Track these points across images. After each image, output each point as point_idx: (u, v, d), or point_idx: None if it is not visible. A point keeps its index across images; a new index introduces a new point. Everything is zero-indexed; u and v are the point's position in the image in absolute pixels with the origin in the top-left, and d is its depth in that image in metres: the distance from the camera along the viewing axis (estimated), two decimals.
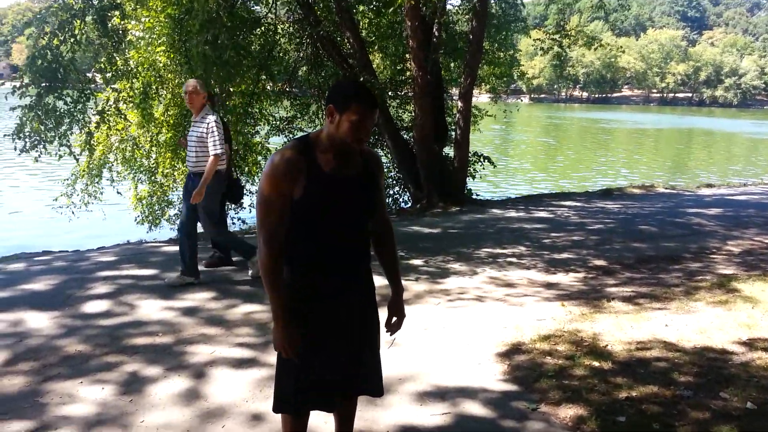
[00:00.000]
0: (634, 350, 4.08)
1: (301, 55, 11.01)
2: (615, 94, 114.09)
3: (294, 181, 2.12)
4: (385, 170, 11.55)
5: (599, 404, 3.33)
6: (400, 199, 11.76)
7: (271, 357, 3.95)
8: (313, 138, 2.20)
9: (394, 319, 2.48)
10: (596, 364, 3.85)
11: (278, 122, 11.18)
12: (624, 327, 4.52)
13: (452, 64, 12.68)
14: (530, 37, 14.12)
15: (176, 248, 7.02)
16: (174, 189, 11.04)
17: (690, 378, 3.64)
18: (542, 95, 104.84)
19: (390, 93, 10.80)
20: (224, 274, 5.93)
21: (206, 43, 7.09)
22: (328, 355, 2.25)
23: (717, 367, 3.77)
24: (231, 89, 10.06)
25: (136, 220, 9.92)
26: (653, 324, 4.57)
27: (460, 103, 10.02)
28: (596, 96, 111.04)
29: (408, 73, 11.21)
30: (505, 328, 4.55)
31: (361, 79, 9.67)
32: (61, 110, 9.30)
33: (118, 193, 10.19)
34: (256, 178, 11.50)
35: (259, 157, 11.51)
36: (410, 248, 7.05)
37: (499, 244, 7.29)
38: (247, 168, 11.46)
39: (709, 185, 14.73)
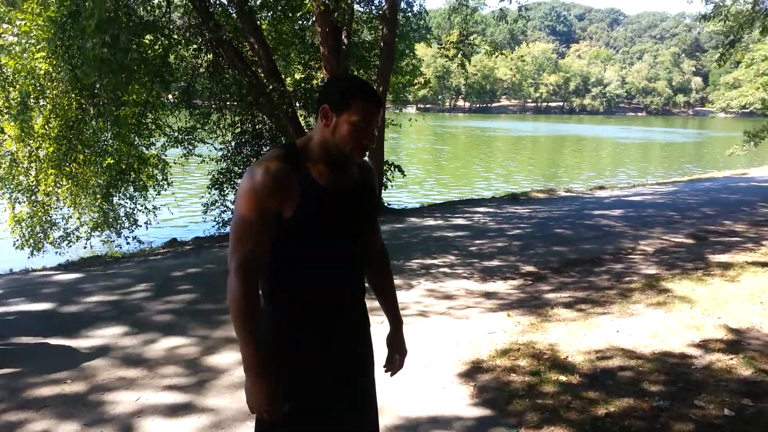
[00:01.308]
0: (595, 360, 3.95)
1: (200, 62, 10.29)
2: (494, 104, 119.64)
3: (284, 199, 1.70)
4: None
5: (581, 424, 3.13)
6: None
7: (210, 399, 3.44)
8: (301, 146, 1.80)
9: (396, 357, 2.11)
10: (563, 378, 3.67)
11: (176, 133, 10.36)
12: (577, 335, 4.40)
13: (356, 74, 12.43)
14: (430, 46, 14.22)
15: (70, 276, 6.21)
16: (58, 208, 9.95)
17: (660, 387, 3.53)
18: (428, 105, 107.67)
19: (299, 102, 10.34)
20: (134, 302, 5.24)
21: (103, 45, 6.27)
22: (325, 404, 1.83)
23: (682, 373, 3.70)
24: (122, 98, 9.19)
25: (14, 244, 8.76)
26: (604, 330, 4.50)
27: None
28: (477, 106, 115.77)
29: (315, 82, 10.82)
30: (458, 345, 4.29)
31: (270, 87, 9.15)
32: None
33: None
34: (151, 191, 10.62)
35: (155, 171, 10.63)
36: None
37: (428, 254, 7.06)
38: (141, 182, 10.55)
39: (602, 187, 15.49)
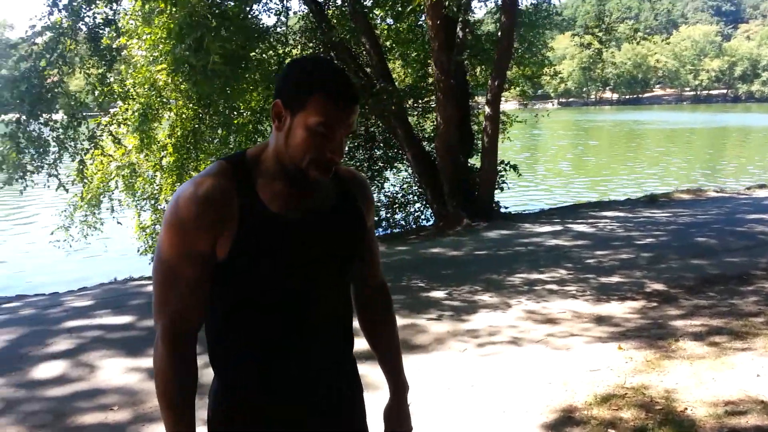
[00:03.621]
0: (723, 415, 3.11)
1: None
2: (646, 95, 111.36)
3: (217, 230, 1.22)
4: (406, 185, 10.67)
5: None
6: (422, 217, 10.88)
7: None
8: (252, 157, 1.29)
9: None
10: None
11: None
12: (704, 379, 3.53)
13: (478, 69, 11.76)
14: (564, 34, 13.19)
15: None
16: None
17: None
18: (570, 99, 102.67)
19: (410, 102, 9.96)
20: None
21: (188, 48, 6.24)
22: None
23: None
24: (239, 105, 9.35)
25: (138, 250, 9.25)
26: (740, 374, 3.58)
27: (487, 109, 9.08)
28: (627, 97, 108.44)
29: (431, 80, 10.36)
30: (550, 384, 3.61)
31: (377, 87, 8.83)
32: (48, 137, 8.61)
33: (118, 223, 9.55)
34: None
35: None
36: (430, 276, 6.16)
37: (535, 268, 6.33)
38: None
39: (762, 186, 13.45)
